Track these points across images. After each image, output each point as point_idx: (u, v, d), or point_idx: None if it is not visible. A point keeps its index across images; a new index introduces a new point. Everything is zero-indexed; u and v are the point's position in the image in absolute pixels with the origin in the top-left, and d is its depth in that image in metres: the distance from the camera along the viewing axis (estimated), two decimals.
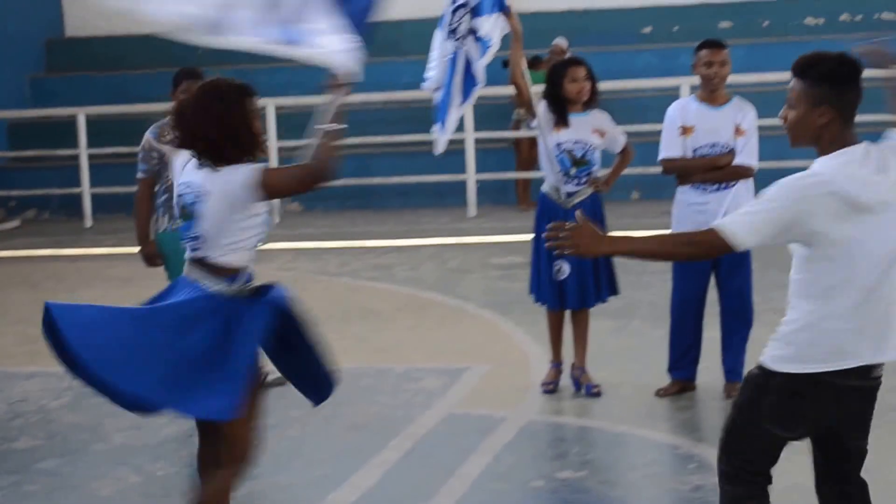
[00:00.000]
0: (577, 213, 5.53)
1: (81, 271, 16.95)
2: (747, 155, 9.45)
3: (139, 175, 10.36)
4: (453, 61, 9.43)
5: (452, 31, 9.42)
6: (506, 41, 9.60)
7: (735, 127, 9.43)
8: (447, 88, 9.49)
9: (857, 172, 5.22)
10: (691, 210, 9.43)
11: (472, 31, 9.47)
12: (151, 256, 10.40)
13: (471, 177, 20.35)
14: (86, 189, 21.32)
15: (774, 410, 5.37)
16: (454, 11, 9.43)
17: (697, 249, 5.52)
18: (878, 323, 5.29)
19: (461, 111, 9.72)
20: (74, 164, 21.42)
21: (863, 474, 5.56)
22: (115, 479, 8.41)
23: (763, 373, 5.45)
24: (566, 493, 7.74)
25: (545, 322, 9.92)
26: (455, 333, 12.02)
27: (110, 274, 16.40)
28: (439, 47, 9.48)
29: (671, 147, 9.53)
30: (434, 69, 9.49)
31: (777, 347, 5.50)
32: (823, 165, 5.27)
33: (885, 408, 8.24)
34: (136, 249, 10.47)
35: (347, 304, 13.75)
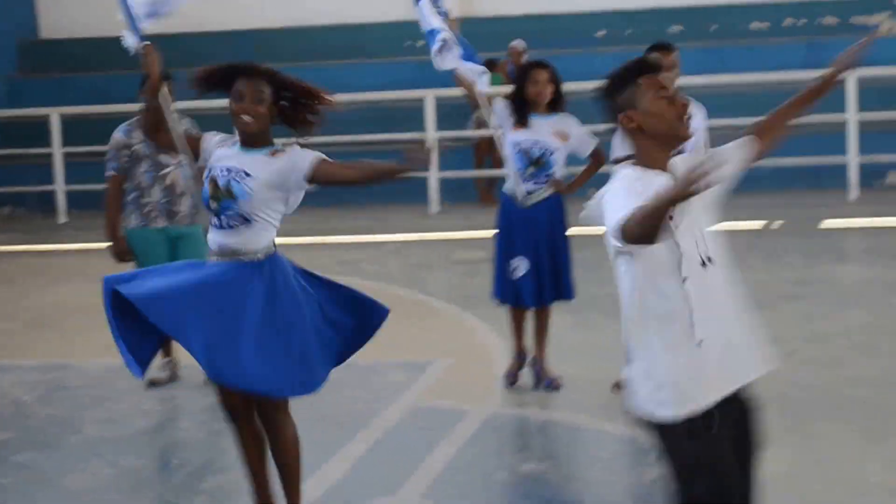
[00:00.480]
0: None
1: (57, 266, 16.77)
2: (696, 153, 9.34)
3: (109, 172, 10.23)
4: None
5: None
6: None
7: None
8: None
9: None
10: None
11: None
12: (121, 252, 10.28)
13: (433, 174, 20.20)
14: (60, 186, 21.15)
15: None
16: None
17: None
18: None
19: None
20: (48, 162, 21.25)
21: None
22: (88, 473, 8.24)
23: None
24: (528, 486, 7.60)
25: (508, 316, 9.78)
26: (420, 328, 11.88)
27: (87, 269, 16.17)
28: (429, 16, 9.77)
29: (624, 147, 9.42)
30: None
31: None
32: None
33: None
34: (107, 245, 10.33)
35: None
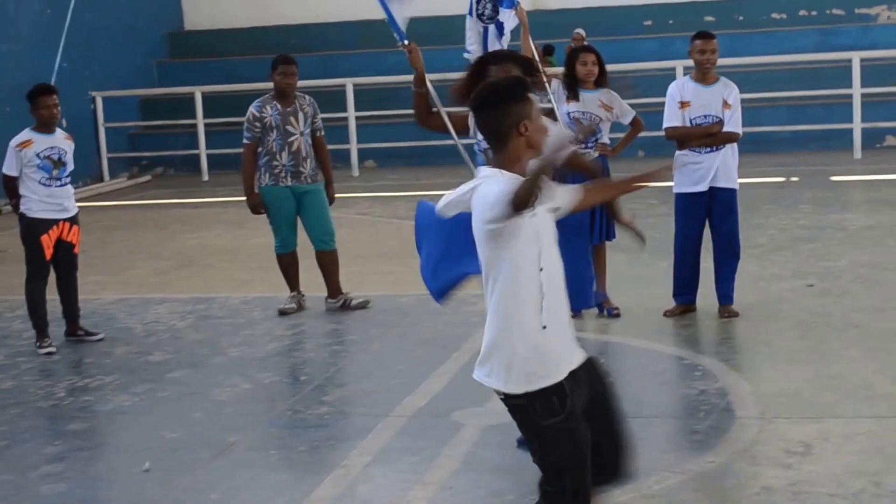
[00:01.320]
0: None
1: (201, 216, 16.78)
2: (733, 124, 9.25)
3: (245, 141, 10.21)
4: (485, 35, 8.93)
5: (480, 15, 8.91)
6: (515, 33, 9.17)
7: (723, 101, 9.25)
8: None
9: None
10: (689, 169, 9.28)
11: (495, 19, 8.94)
12: (256, 206, 10.28)
13: None
14: (203, 150, 21.17)
15: None
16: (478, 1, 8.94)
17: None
18: None
19: None
20: (193, 131, 21.28)
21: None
22: (230, 387, 8.23)
23: None
24: None
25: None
26: None
27: (224, 218, 16.23)
28: (472, 27, 8.96)
29: (672, 118, 9.34)
30: (472, 44, 8.96)
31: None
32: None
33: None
34: (244, 199, 10.33)
35: (401, 242, 13.48)
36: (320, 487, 6.23)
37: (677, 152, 9.39)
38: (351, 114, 20.25)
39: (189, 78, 22.41)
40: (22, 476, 6.73)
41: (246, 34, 23.82)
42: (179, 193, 19.50)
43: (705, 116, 9.22)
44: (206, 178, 21.06)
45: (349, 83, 20.45)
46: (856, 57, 18.55)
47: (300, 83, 10.32)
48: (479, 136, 6.41)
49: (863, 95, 18.50)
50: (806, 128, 19.14)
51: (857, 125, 18.49)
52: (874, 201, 14.50)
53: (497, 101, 4.47)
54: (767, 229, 12.64)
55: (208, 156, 21.19)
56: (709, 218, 9.35)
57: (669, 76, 18.76)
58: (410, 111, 6.95)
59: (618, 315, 9.43)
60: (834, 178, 16.42)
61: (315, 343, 9.44)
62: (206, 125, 21.09)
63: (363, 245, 13.01)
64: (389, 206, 16.40)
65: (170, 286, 11.98)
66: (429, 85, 6.86)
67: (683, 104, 9.26)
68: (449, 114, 6.81)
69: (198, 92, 21.07)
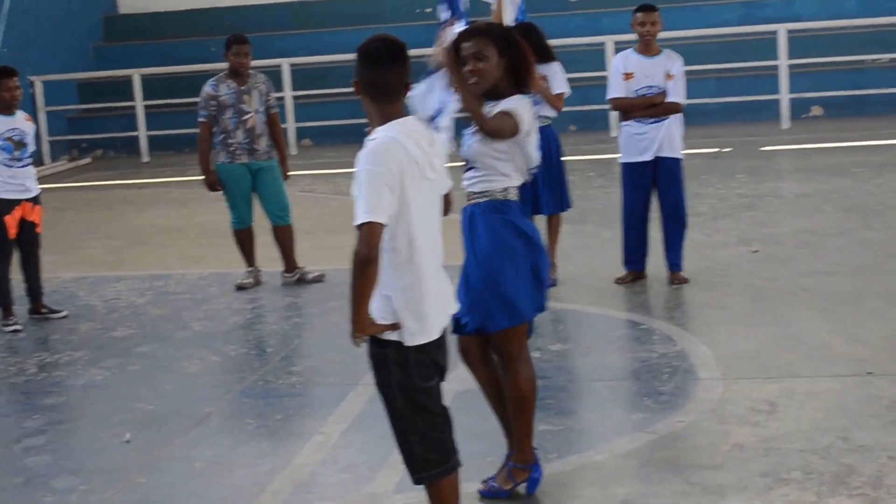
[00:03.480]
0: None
1: (146, 196, 16.62)
2: (676, 94, 9.34)
3: (200, 119, 10.19)
4: None
5: None
6: None
7: (666, 73, 9.33)
8: None
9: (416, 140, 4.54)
10: (634, 139, 9.40)
11: None
12: (212, 184, 10.25)
13: None
14: (142, 132, 20.95)
15: None
16: None
17: (364, 263, 4.34)
18: None
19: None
20: (132, 113, 21.05)
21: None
22: (199, 360, 8.22)
23: None
24: (560, 362, 7.58)
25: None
26: (454, 237, 11.73)
27: (169, 198, 16.10)
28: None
29: (617, 89, 9.41)
30: None
31: None
32: (386, 131, 4.51)
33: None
34: (200, 178, 10.29)
35: (351, 218, 13.48)
36: (301, 454, 6.25)
37: (622, 123, 9.48)
38: (287, 93, 20.15)
39: (125, 61, 22.16)
40: (6, 448, 6.73)
41: (180, 17, 23.60)
42: (121, 175, 19.29)
43: (649, 87, 9.30)
44: (145, 159, 20.86)
45: (285, 63, 20.35)
46: (781, 29, 18.74)
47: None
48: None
49: (789, 67, 18.69)
50: (734, 100, 19.31)
51: (785, 96, 18.68)
52: (806, 169, 14.68)
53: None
54: (707, 199, 12.77)
55: (147, 137, 20.99)
56: (655, 187, 9.43)
57: (599, 52, 18.90)
58: (345, 89, 6.81)
59: (553, 284, 9.32)
60: (764, 149, 16.59)
61: (276, 316, 9.43)
62: (145, 107, 20.88)
63: (311, 221, 12.96)
64: (331, 182, 16.35)
65: (125, 264, 11.90)
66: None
67: (627, 75, 9.34)
68: None
69: (136, 74, 20.87)
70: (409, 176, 4.41)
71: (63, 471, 6.30)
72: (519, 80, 5.44)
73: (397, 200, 4.37)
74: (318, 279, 10.24)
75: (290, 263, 10.28)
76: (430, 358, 4.57)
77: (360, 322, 4.44)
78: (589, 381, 7.24)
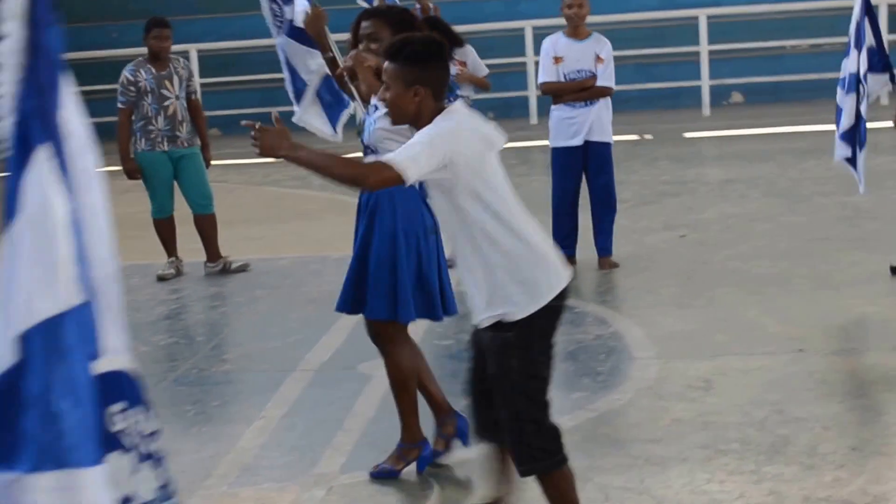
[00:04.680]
0: (274, 113, 4.64)
1: None
2: (606, 78, 9.74)
3: (119, 105, 10.39)
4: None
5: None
6: None
7: (596, 56, 9.71)
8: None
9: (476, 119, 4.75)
10: (564, 124, 9.75)
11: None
12: (132, 171, 10.46)
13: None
14: None
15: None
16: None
17: (364, 176, 4.45)
18: None
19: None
20: None
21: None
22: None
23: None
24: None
25: None
26: None
27: None
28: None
29: (547, 73, 9.78)
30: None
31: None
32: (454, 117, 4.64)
33: None
34: (119, 167, 10.48)
35: (279, 207, 13.78)
36: (243, 438, 6.54)
37: (552, 107, 9.84)
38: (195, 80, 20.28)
39: None
40: None
41: (87, 1, 23.60)
42: None
43: (579, 71, 9.69)
44: None
45: (192, 49, 20.49)
46: (702, 14, 19.28)
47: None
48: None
49: (709, 53, 19.23)
50: (654, 86, 19.82)
51: (706, 82, 19.23)
52: (729, 156, 15.20)
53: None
54: (631, 185, 13.20)
55: None
56: (585, 172, 9.82)
57: (518, 37, 19.32)
58: (255, 76, 6.96)
59: None
60: (687, 135, 17.11)
61: (202, 306, 9.69)
62: None
63: (226, 211, 13.19)
64: (244, 172, 16.59)
65: None
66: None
67: (557, 59, 9.72)
68: None
69: None
70: (488, 154, 4.60)
71: None
72: None
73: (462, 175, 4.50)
74: (243, 268, 10.50)
75: (212, 253, 10.53)
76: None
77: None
78: None
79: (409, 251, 5.69)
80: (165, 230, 10.54)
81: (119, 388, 2.54)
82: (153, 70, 10.30)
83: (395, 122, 4.77)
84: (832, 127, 9.22)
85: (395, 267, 5.68)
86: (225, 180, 15.95)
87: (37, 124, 2.51)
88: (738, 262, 9.65)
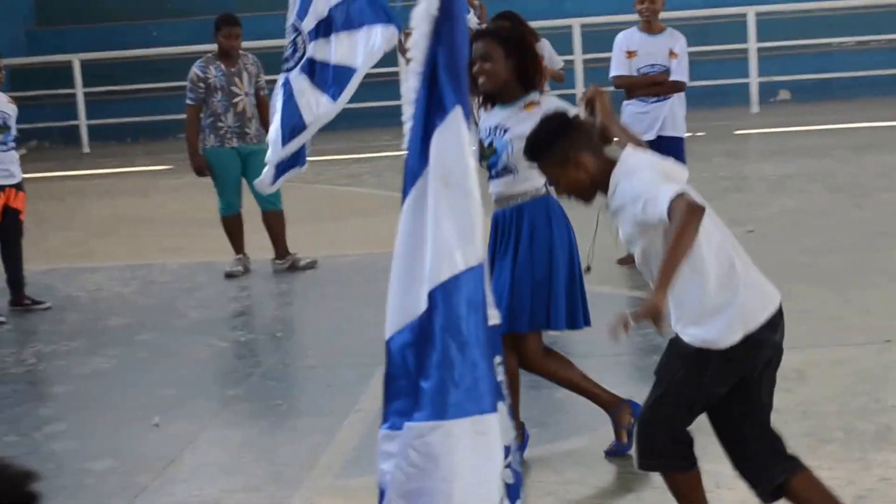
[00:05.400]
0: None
1: (96, 187, 16.90)
2: (680, 73, 9.87)
3: (188, 102, 10.58)
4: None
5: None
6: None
7: (669, 51, 9.84)
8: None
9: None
10: (637, 118, 9.86)
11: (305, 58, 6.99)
12: (200, 168, 10.62)
13: None
14: (83, 121, 21.19)
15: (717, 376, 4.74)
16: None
17: (690, 223, 4.41)
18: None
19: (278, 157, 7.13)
20: (70, 101, 21.25)
21: None
22: (206, 346, 8.62)
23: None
24: (581, 338, 8.04)
25: None
26: None
27: (123, 188, 16.41)
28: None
29: (620, 68, 9.93)
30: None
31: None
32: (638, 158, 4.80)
33: None
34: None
35: (335, 206, 13.93)
36: (342, 430, 6.70)
37: (624, 101, 9.98)
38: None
39: (59, 46, 22.35)
40: (27, 437, 7.07)
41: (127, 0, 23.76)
42: (61, 166, 19.55)
43: (652, 66, 9.83)
44: (86, 150, 21.12)
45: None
46: (751, 11, 19.40)
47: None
48: None
49: (758, 50, 19.35)
50: (702, 83, 19.90)
51: (754, 79, 19.36)
52: (783, 152, 15.32)
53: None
54: (691, 181, 13.31)
55: (88, 127, 21.20)
56: None
57: (565, 35, 19.43)
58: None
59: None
60: (738, 133, 17.24)
61: (276, 302, 9.88)
62: (85, 95, 21.10)
63: (297, 209, 13.34)
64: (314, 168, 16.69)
65: (96, 255, 12.23)
66: None
67: (630, 53, 9.86)
68: None
69: (76, 60, 21.07)
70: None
71: (95, 455, 6.68)
72: (526, 81, 5.91)
73: None
74: (311, 266, 10.66)
75: (280, 250, 10.69)
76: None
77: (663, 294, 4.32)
78: (614, 355, 7.74)
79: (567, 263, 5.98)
80: (233, 227, 10.69)
81: (497, 342, 2.70)
82: (223, 67, 10.47)
83: (586, 200, 4.82)
84: (889, 123, 9.35)
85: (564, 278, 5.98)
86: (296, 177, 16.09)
87: (449, 86, 2.66)
88: (809, 257, 9.78)
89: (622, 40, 9.97)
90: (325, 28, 6.84)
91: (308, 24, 6.88)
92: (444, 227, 2.59)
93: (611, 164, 4.73)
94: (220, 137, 10.48)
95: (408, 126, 2.75)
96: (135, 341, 8.91)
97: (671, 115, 9.88)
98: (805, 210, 11.58)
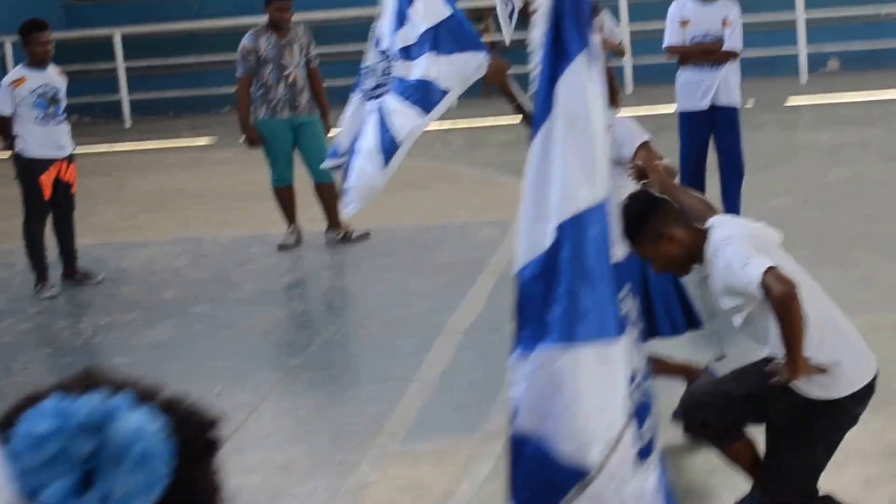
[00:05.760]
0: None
1: (140, 162, 17.01)
2: (734, 41, 9.92)
3: (238, 74, 10.66)
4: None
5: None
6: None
7: (723, 20, 9.86)
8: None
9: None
10: (691, 87, 9.93)
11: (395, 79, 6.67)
12: (252, 140, 10.69)
13: None
14: (124, 96, 21.30)
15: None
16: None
17: (790, 298, 4.60)
18: None
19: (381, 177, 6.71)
20: (111, 76, 21.36)
21: None
22: (263, 317, 8.72)
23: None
24: None
25: None
26: (489, 194, 12.24)
27: (165, 163, 16.50)
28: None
29: (673, 37, 9.97)
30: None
31: None
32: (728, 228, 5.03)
33: None
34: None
35: None
36: (405, 398, 6.80)
37: (679, 70, 10.02)
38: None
39: (96, 19, 22.48)
40: None
41: None
42: (104, 141, 19.68)
43: (705, 35, 9.86)
44: (128, 124, 21.26)
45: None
46: None
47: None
48: None
49: (807, 20, 19.29)
50: (750, 54, 19.85)
51: (803, 49, 19.30)
52: (834, 121, 15.30)
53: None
54: (744, 150, 13.35)
55: (130, 101, 21.31)
56: (713, 135, 10.00)
57: (612, 5, 19.43)
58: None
59: None
60: (788, 103, 17.23)
61: (331, 273, 9.98)
62: (126, 69, 21.20)
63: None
64: None
65: (145, 229, 12.34)
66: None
67: (683, 23, 9.90)
68: None
69: (117, 33, 21.16)
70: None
71: None
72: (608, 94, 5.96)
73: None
74: (364, 237, 10.73)
75: (334, 221, 10.75)
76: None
77: (801, 361, 4.69)
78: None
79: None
80: (285, 198, 10.77)
81: (621, 275, 2.79)
82: (273, 38, 10.54)
83: (682, 273, 5.14)
84: None
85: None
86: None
87: (574, 32, 2.76)
88: (867, 225, 9.81)
89: (675, 9, 10.01)
90: (416, 51, 6.59)
91: (396, 45, 6.63)
92: (571, 167, 2.70)
93: (702, 234, 4.89)
94: (272, 109, 10.56)
95: (535, 71, 2.84)
96: (190, 313, 9.02)
97: (725, 84, 9.91)
98: (860, 179, 11.59)
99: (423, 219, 11.33)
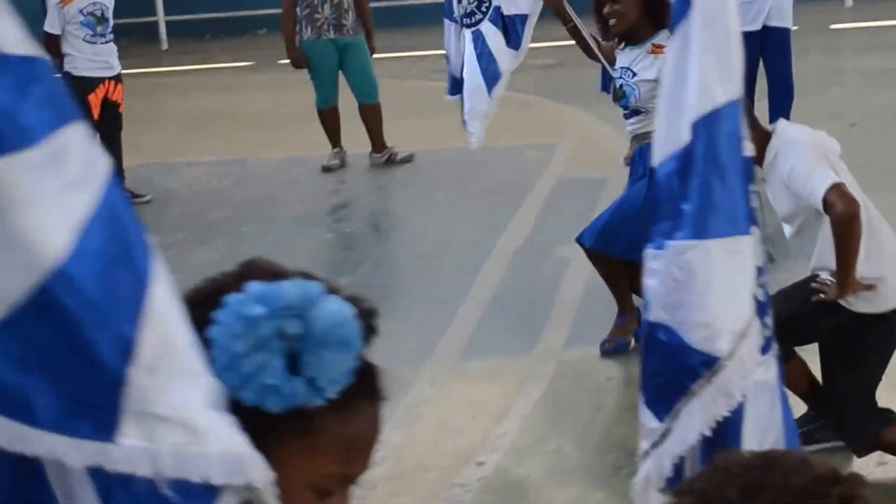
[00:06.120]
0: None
1: (177, 84, 17.07)
2: None
3: None
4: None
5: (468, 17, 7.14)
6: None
7: None
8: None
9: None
10: (742, 8, 9.36)
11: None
12: (297, 60, 10.78)
13: None
14: (161, 17, 21.35)
15: None
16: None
17: (852, 214, 4.78)
18: None
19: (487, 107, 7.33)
20: None
21: None
22: (312, 237, 8.86)
23: None
24: None
25: (600, 106, 9.85)
26: (531, 117, 12.27)
27: (205, 85, 16.54)
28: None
29: None
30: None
31: None
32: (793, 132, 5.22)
33: None
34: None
35: (427, 100, 13.97)
36: (457, 317, 6.95)
37: None
38: None
39: None
40: None
41: None
42: (142, 63, 19.71)
43: None
44: (165, 46, 21.32)
45: None
46: None
47: None
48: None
49: None
50: None
51: None
52: (881, 46, 15.26)
53: None
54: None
55: (166, 23, 21.37)
56: (763, 58, 10.01)
57: None
58: None
59: None
60: (833, 27, 17.17)
61: (376, 196, 10.09)
62: None
63: (391, 103, 13.46)
64: (381, 66, 16.83)
65: (190, 150, 12.44)
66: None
67: None
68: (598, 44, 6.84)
69: None
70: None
71: None
72: (656, 17, 5.98)
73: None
74: (408, 159, 10.83)
75: (378, 143, 10.84)
76: None
77: (851, 279, 4.80)
78: None
79: None
80: (330, 120, 10.85)
81: (750, 171, 2.91)
82: None
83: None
84: None
85: None
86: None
87: None
88: None
89: None
90: None
91: None
92: (707, 65, 2.81)
93: (767, 135, 4.94)
94: (317, 29, 10.61)
95: None
96: (239, 233, 9.16)
97: (777, 5, 9.92)
98: None
99: (465, 142, 11.36)
